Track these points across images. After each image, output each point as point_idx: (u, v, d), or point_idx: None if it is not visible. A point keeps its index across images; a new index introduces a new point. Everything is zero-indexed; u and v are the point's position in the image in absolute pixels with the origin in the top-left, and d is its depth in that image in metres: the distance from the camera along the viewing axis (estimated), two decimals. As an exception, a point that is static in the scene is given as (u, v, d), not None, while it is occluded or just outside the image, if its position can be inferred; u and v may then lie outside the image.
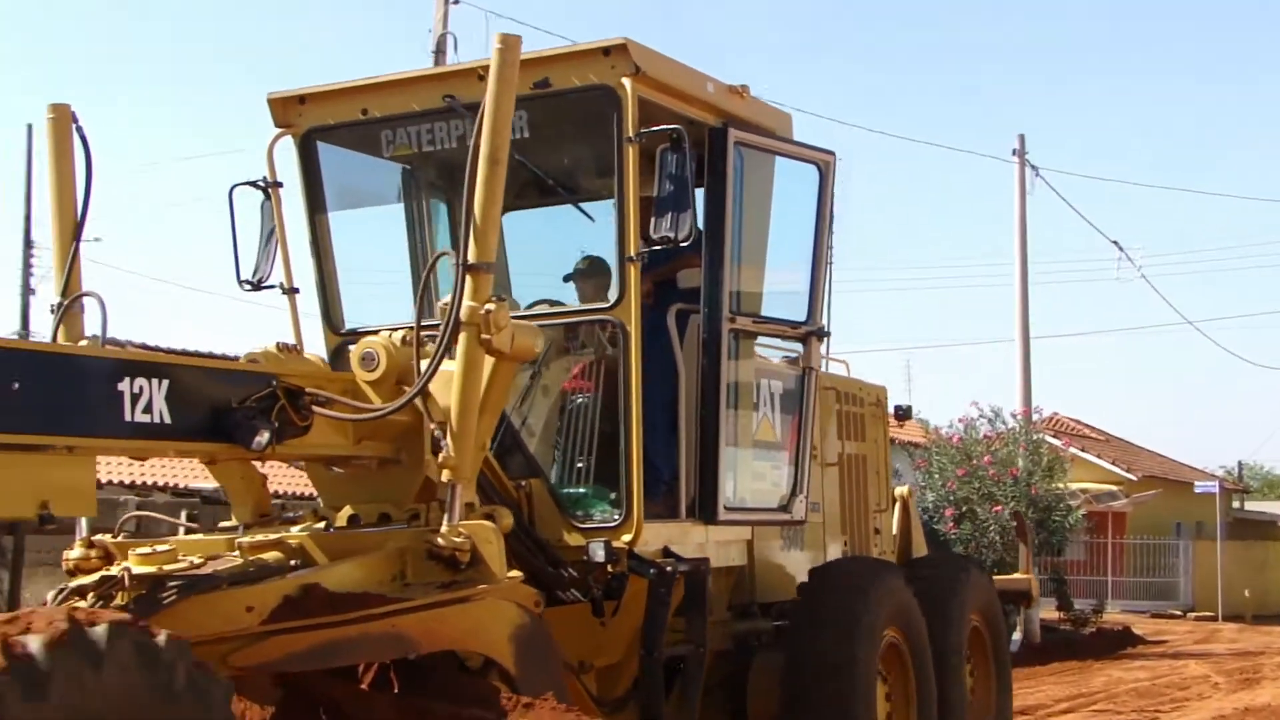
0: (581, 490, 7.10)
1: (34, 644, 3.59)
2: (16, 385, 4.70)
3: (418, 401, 5.87)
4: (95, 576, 5.29)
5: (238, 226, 7.30)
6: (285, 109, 7.41)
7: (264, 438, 5.53)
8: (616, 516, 6.89)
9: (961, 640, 8.80)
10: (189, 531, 6.46)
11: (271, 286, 7.42)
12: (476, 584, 5.75)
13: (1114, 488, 35.03)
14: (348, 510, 6.31)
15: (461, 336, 5.76)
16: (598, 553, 6.67)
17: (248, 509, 6.43)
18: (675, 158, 6.57)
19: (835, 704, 7.28)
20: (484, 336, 5.75)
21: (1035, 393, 26.97)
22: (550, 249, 8.44)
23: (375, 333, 6.49)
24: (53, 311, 6.22)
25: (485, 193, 5.75)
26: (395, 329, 6.48)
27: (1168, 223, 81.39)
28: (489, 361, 5.89)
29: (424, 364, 5.90)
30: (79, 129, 6.18)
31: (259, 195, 7.40)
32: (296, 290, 7.46)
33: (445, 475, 5.82)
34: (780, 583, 8.32)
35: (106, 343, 5.91)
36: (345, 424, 6.04)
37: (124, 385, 5.09)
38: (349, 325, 7.53)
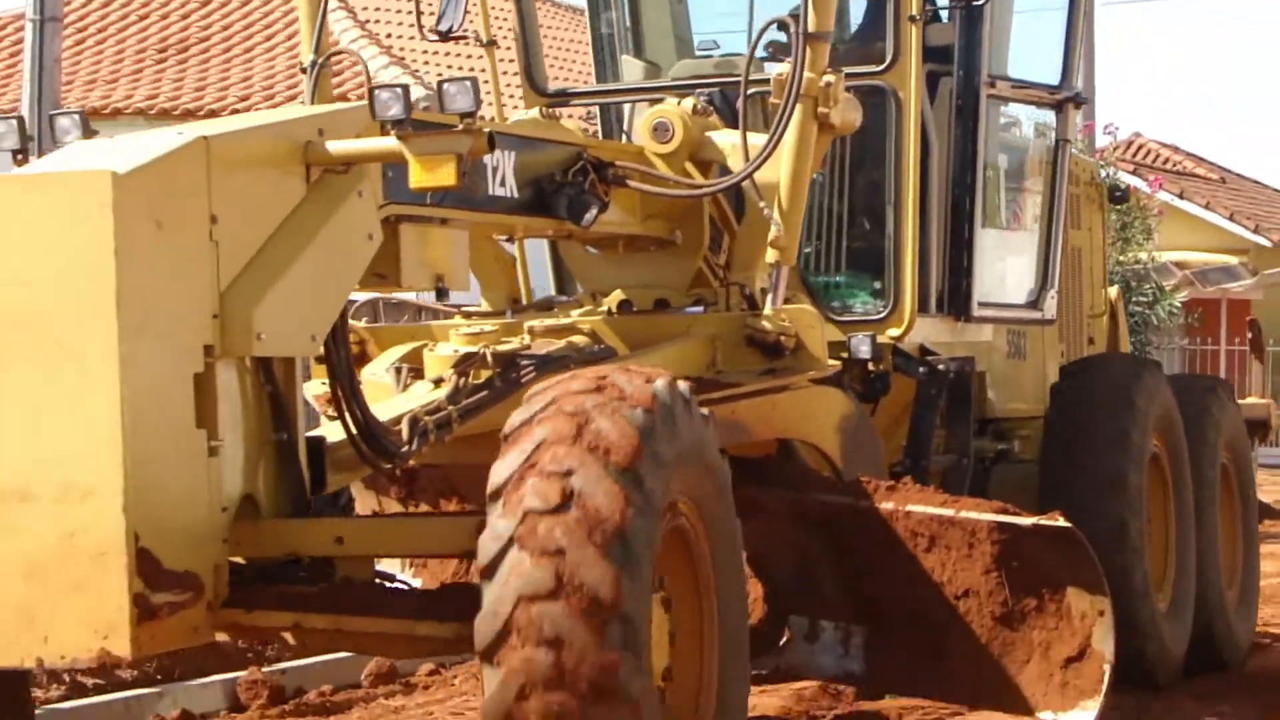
0: (839, 279, 10.48)
1: (660, 390, 6.87)
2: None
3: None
4: (451, 352, 8.57)
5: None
6: None
7: (593, 213, 8.75)
8: (881, 308, 10.29)
9: (1215, 471, 12.40)
10: (442, 316, 9.72)
11: (463, 37, 10.61)
12: (799, 371, 9.14)
13: (1232, 259, 35.59)
14: (617, 295, 9.60)
15: (798, 109, 9.02)
16: (861, 348, 9.93)
17: (501, 293, 9.71)
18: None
19: (1111, 524, 10.79)
20: (821, 110, 9.05)
21: (1102, 104, 28.12)
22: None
23: (588, 94, 9.76)
24: (303, 71, 9.37)
25: None
26: (656, 94, 9.75)
27: None
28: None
29: (732, 139, 9.21)
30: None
31: None
32: (494, 43, 10.66)
33: (772, 256, 9.11)
34: (1005, 396, 11.77)
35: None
36: (634, 200, 9.29)
37: (490, 156, 8.29)
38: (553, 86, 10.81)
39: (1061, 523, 8.68)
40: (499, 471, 6.61)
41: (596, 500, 6.41)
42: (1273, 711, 11.26)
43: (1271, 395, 30.05)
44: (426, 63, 27.19)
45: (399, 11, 29.21)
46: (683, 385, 7.21)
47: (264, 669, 11.96)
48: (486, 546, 6.49)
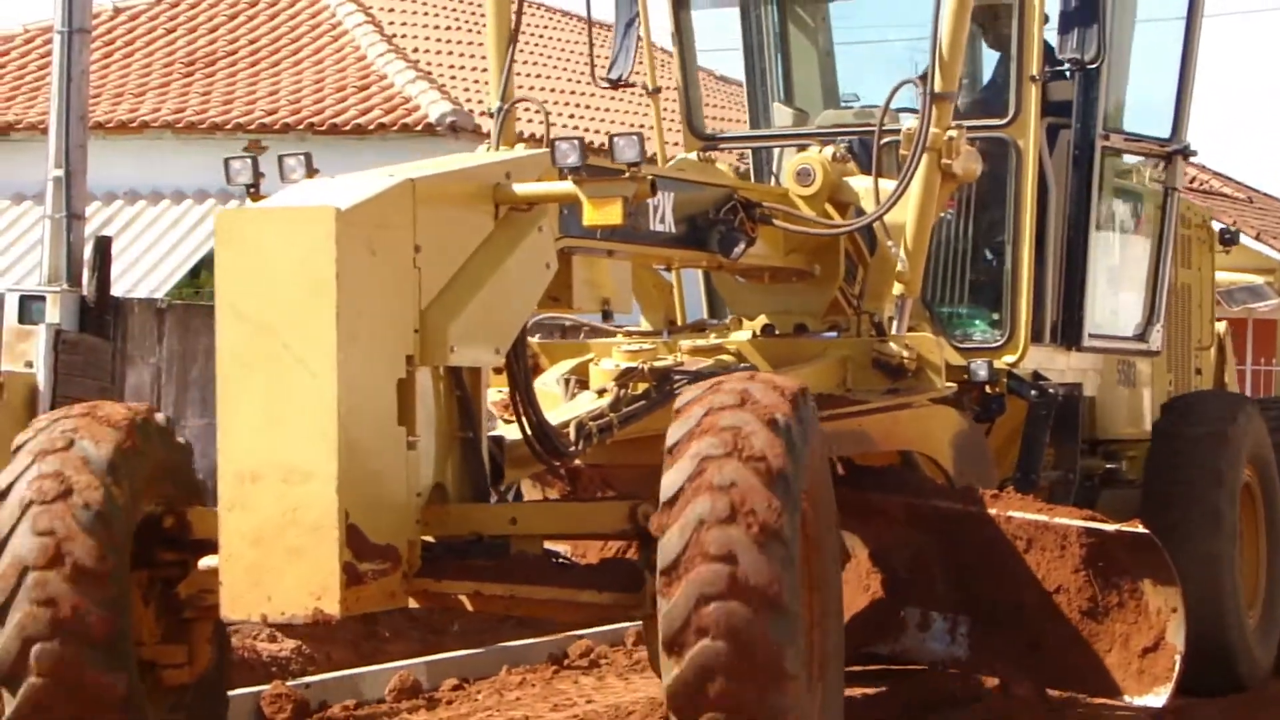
0: (961, 310, 11.59)
1: (787, 395, 7.97)
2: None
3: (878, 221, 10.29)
4: (613, 366, 9.76)
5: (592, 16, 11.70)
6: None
7: (740, 248, 9.91)
8: (999, 337, 11.39)
9: None
10: (601, 335, 10.91)
11: (631, 85, 11.83)
12: (919, 391, 10.28)
13: (1258, 279, 36.97)
14: (761, 319, 10.76)
15: (923, 160, 10.17)
16: (980, 372, 11.06)
17: (659, 315, 10.88)
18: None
19: (1208, 541, 11.76)
20: (944, 161, 10.19)
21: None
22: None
23: (741, 139, 10.93)
24: (491, 115, 10.61)
25: (953, 25, 10.11)
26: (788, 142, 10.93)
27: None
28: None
29: (866, 184, 10.37)
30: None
31: None
32: (659, 90, 11.88)
33: (898, 289, 10.25)
34: (1114, 420, 12.83)
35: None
36: (778, 236, 10.43)
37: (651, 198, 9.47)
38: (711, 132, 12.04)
39: (1140, 529, 9.77)
40: (670, 482, 7.80)
41: (759, 504, 7.61)
42: None
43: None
44: (453, 76, 27.31)
45: (425, 26, 29.37)
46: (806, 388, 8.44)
47: (288, 683, 12.13)
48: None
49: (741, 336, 10.65)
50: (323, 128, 24.29)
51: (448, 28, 29.20)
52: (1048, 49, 11.39)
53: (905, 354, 10.29)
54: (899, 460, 10.51)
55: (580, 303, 9.52)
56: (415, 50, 27.36)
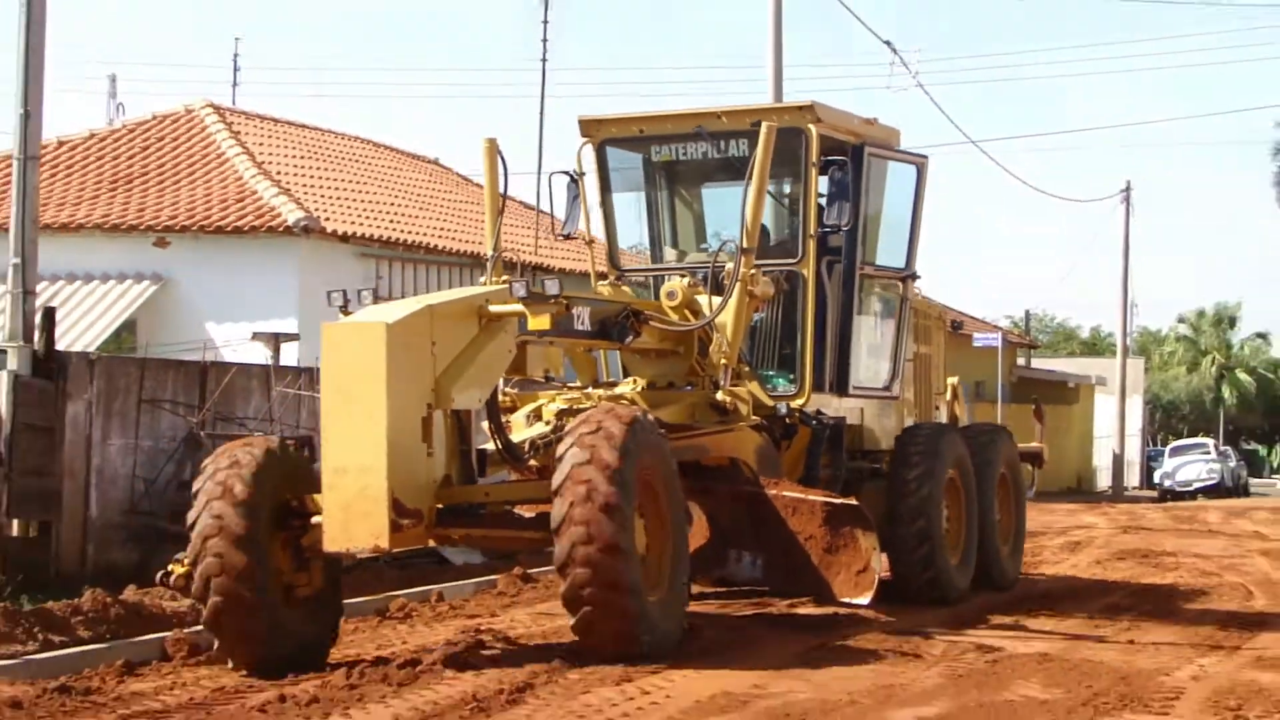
0: (772, 372, 13.68)
1: (624, 421, 10.08)
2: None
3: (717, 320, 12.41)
4: (557, 407, 11.86)
5: (555, 200, 13.86)
6: (589, 126, 13.96)
7: (630, 338, 12.04)
8: (794, 388, 13.47)
9: (993, 483, 15.47)
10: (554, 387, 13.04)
11: (574, 238, 14.02)
12: (737, 422, 12.42)
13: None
14: (646, 379, 12.84)
15: (737, 287, 12.33)
16: (781, 409, 13.16)
17: (587, 377, 13.03)
18: (840, 175, 13.13)
19: (924, 511, 13.73)
20: (750, 289, 12.34)
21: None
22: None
23: (639, 270, 13.10)
24: (483, 261, 12.75)
25: (753, 210, 12.29)
26: (668, 272, 13.12)
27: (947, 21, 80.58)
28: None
29: (703, 298, 12.54)
30: (501, 156, 12.72)
31: (565, 180, 13.93)
32: (592, 241, 14.04)
33: (723, 361, 12.38)
34: (876, 438, 14.85)
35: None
36: (655, 331, 12.46)
37: (576, 309, 11.61)
38: (625, 266, 14.18)
39: (852, 501, 11.90)
40: (557, 476, 10.00)
41: (602, 489, 9.81)
42: (1020, 605, 13.92)
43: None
44: (306, 190, 25.83)
45: (286, 155, 27.62)
46: (649, 417, 10.58)
47: (186, 630, 11.65)
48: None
49: (632, 390, 12.71)
50: (210, 228, 23.63)
51: (302, 156, 28.45)
52: (823, 212, 13.36)
53: (727, 400, 12.45)
54: (726, 462, 12.49)
55: (531, 372, 11.72)
56: (278, 171, 26.04)
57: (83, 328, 22.56)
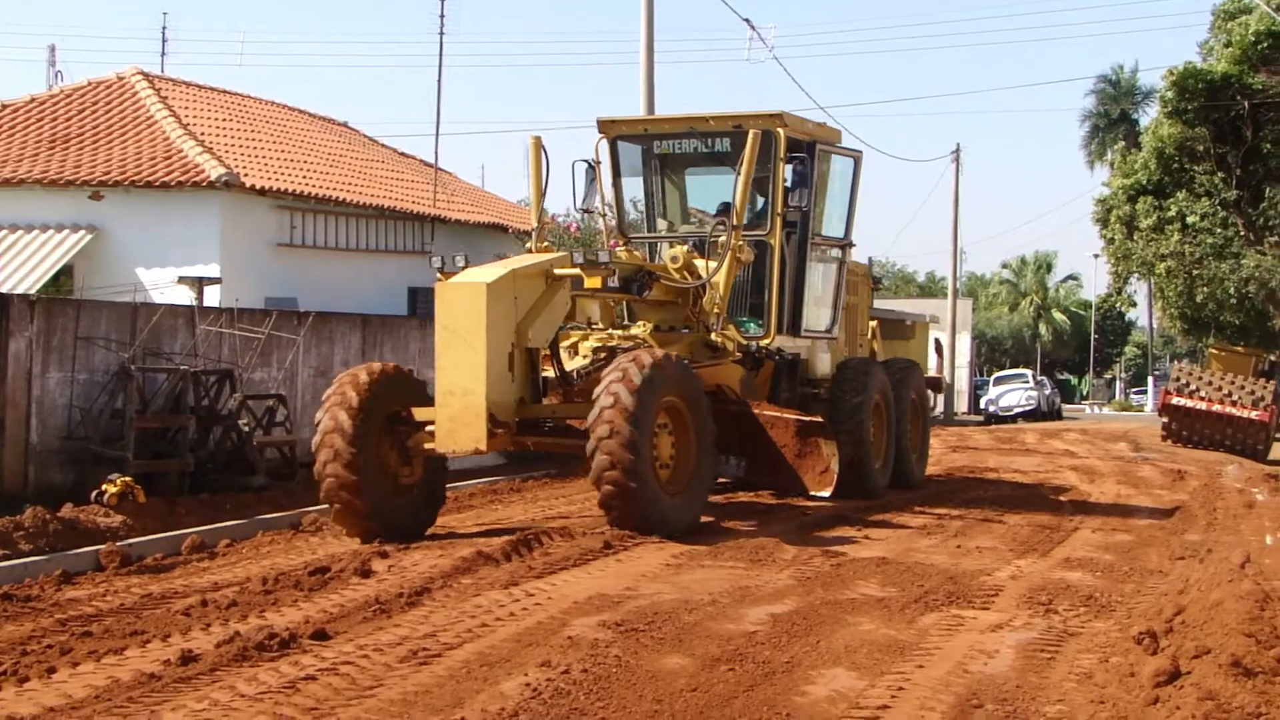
0: (745, 318, 16.42)
1: (654, 357, 12.50)
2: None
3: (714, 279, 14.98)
4: (592, 345, 14.60)
5: (577, 182, 16.56)
6: (605, 125, 16.61)
7: (647, 293, 14.69)
8: (762, 331, 16.15)
9: (908, 405, 18.40)
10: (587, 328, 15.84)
11: (591, 211, 16.79)
12: (725, 358, 15.18)
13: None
14: (652, 323, 15.49)
15: (728, 256, 15.14)
16: (752, 347, 15.77)
17: (609, 320, 15.81)
18: (800, 167, 16.01)
19: (856, 426, 16.42)
20: (738, 256, 15.09)
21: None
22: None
23: (642, 237, 15.97)
24: (528, 234, 15.52)
25: (742, 196, 14.85)
26: (671, 240, 15.98)
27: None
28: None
29: (702, 263, 15.36)
30: (544, 150, 15.35)
31: (585, 166, 16.49)
32: (605, 213, 16.85)
33: (716, 310, 15.12)
34: (820, 370, 17.48)
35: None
36: (663, 287, 15.02)
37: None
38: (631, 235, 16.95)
39: (819, 419, 14.48)
40: (599, 390, 12.12)
41: (626, 401, 11.99)
42: (918, 498, 16.18)
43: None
44: (227, 149, 25.81)
45: (209, 117, 27.80)
46: (674, 354, 13.17)
47: (117, 543, 11.78)
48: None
49: (642, 331, 15.05)
50: (140, 183, 23.42)
51: (224, 119, 28.44)
52: (788, 195, 15.93)
53: (718, 341, 15.03)
54: (716, 389, 14.86)
55: (579, 319, 14.32)
56: (202, 132, 25.93)
57: (24, 273, 22.50)
